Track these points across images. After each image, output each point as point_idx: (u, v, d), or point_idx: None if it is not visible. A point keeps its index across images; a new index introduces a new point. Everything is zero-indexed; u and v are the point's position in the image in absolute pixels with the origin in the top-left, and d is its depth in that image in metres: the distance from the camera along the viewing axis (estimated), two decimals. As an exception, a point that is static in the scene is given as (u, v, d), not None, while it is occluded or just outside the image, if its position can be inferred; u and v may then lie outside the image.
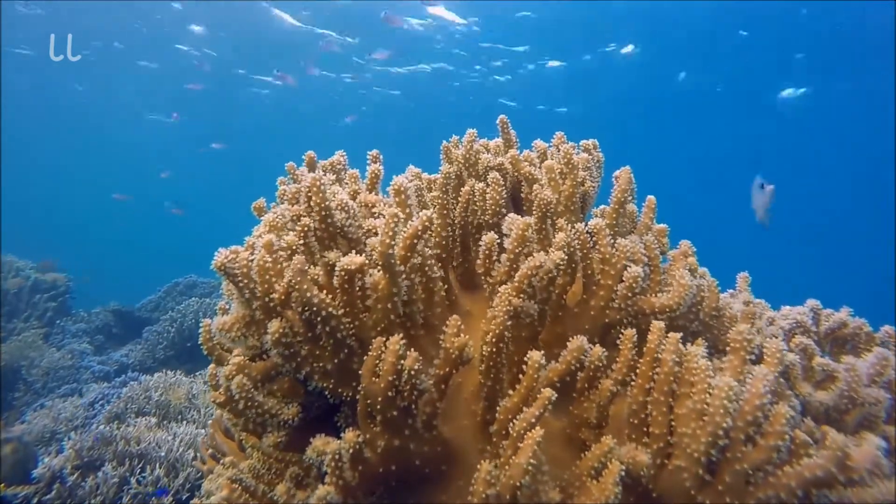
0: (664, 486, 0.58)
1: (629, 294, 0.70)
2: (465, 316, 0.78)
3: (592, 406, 0.65)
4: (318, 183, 0.69)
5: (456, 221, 0.81)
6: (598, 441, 0.61)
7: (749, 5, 6.99)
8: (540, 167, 0.86)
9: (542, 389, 0.57)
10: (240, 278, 0.64)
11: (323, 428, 0.65)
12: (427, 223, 0.65)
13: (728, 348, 0.62)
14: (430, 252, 0.70)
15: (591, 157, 0.90)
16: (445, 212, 0.78)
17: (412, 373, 0.59)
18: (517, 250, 0.70)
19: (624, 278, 0.70)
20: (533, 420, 0.56)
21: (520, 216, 0.72)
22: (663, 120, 10.51)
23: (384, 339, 0.61)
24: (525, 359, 0.61)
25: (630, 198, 0.85)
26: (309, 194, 0.69)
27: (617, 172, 0.85)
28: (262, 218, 0.75)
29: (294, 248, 0.66)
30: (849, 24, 6.99)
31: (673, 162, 11.96)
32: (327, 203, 0.69)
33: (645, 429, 0.60)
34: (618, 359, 0.65)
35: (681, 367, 0.59)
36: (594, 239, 0.73)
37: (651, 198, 0.89)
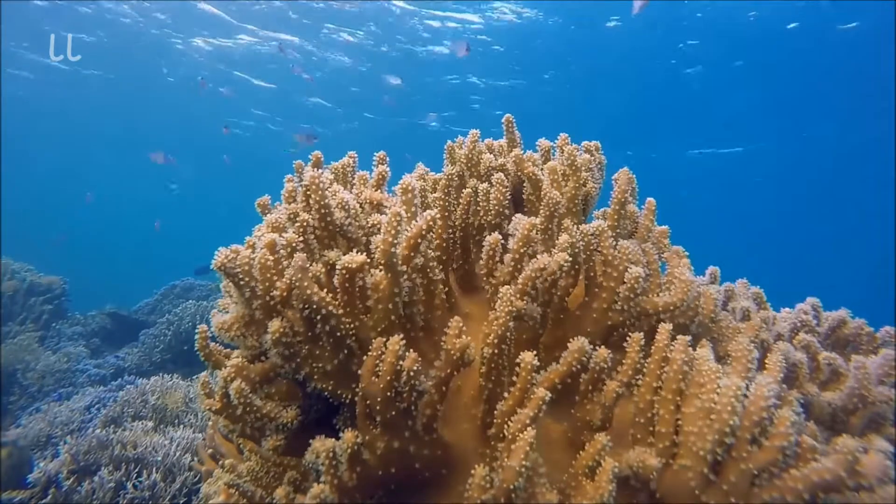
0: (668, 486, 0.58)
1: (631, 295, 0.70)
2: (464, 318, 0.77)
3: (596, 408, 0.64)
4: (316, 181, 0.68)
5: (456, 223, 0.80)
6: (597, 442, 0.61)
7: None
8: (543, 167, 0.86)
9: (536, 390, 0.57)
10: (241, 277, 0.63)
11: (322, 431, 0.64)
12: (431, 223, 0.64)
13: (730, 358, 0.63)
14: (432, 254, 0.70)
15: (592, 158, 0.90)
16: (447, 213, 0.78)
17: (411, 374, 0.58)
18: (522, 251, 0.69)
19: (625, 279, 0.70)
20: (527, 421, 0.55)
21: (525, 217, 0.72)
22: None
23: (384, 339, 0.61)
24: (517, 360, 0.60)
25: (631, 199, 0.85)
26: (308, 192, 0.69)
27: (616, 174, 0.85)
28: (265, 216, 0.75)
29: (294, 245, 0.66)
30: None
31: (671, 159, 11.94)
32: (326, 201, 0.69)
33: (651, 428, 0.60)
34: (624, 360, 0.65)
35: (690, 368, 0.59)
36: (596, 241, 0.73)
37: (651, 200, 0.89)
